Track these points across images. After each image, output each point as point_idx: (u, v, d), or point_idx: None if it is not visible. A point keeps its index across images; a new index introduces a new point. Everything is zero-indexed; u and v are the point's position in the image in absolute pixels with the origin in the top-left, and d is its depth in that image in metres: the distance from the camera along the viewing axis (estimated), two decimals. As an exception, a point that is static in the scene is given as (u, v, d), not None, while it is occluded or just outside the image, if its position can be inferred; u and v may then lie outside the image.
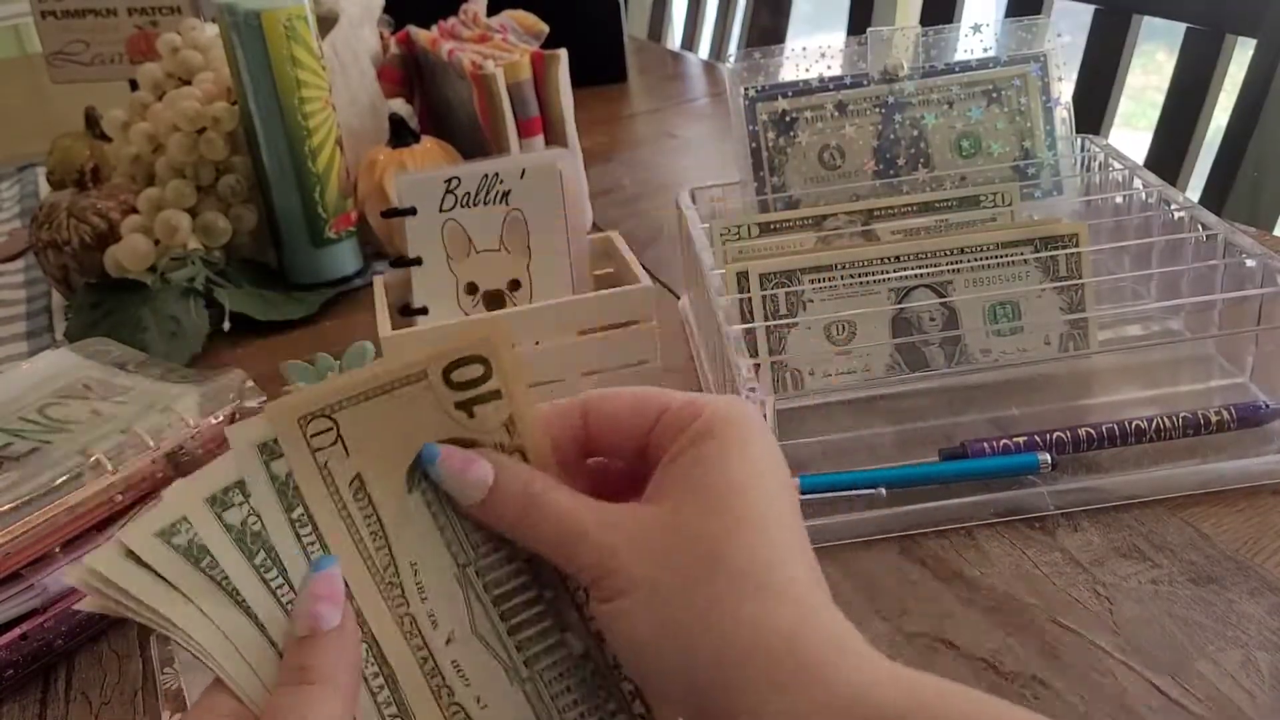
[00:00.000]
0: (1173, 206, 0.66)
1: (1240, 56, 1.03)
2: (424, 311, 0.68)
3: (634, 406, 0.33)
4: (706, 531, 0.30)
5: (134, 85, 0.94)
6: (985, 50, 0.71)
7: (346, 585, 0.31)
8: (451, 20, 1.04)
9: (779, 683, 0.28)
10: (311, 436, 0.31)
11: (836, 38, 0.73)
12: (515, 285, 0.69)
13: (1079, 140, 0.73)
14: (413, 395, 0.32)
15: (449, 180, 0.67)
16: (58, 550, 0.51)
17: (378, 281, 0.69)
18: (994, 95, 0.70)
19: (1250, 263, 0.59)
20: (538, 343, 0.63)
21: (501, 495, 0.32)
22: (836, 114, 0.70)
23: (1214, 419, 0.57)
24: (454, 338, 0.32)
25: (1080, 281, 0.62)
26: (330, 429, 0.31)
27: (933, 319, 0.62)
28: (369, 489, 0.32)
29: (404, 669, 0.32)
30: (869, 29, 0.70)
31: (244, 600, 0.30)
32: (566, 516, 0.31)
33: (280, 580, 0.31)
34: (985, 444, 0.57)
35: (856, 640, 0.30)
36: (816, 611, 0.30)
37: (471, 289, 0.68)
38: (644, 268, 0.67)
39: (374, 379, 0.32)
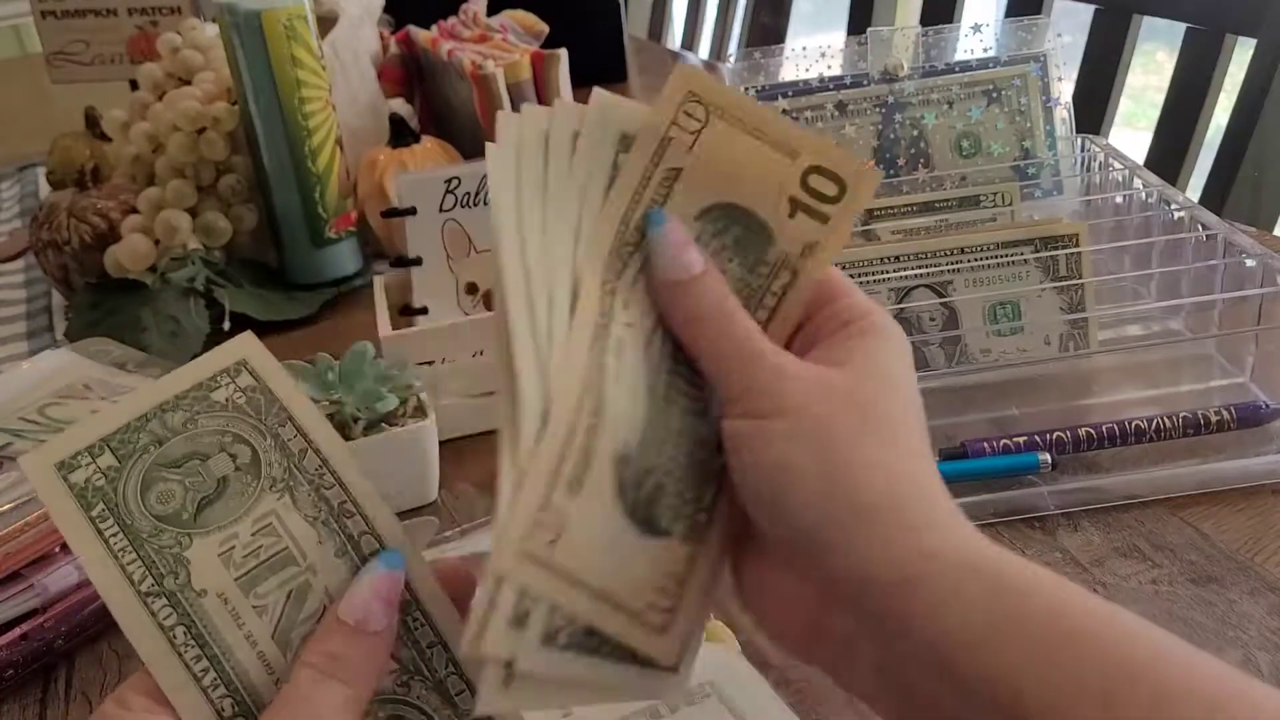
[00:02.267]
0: (1173, 206, 0.66)
1: (1240, 56, 1.03)
2: (424, 311, 0.68)
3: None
4: (861, 389, 0.32)
5: (134, 85, 0.94)
6: (985, 50, 0.71)
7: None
8: (451, 20, 1.04)
9: (909, 525, 0.29)
10: None
11: (836, 38, 0.73)
12: (515, 285, 0.69)
13: (1079, 140, 0.73)
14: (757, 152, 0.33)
15: (449, 180, 0.67)
16: (58, 550, 0.51)
17: (378, 281, 0.69)
18: (994, 95, 0.70)
19: (1250, 263, 0.59)
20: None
21: (700, 288, 0.33)
22: (836, 114, 0.70)
23: (1214, 419, 0.57)
24: (834, 152, 0.33)
25: (1080, 281, 0.62)
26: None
27: (933, 319, 0.62)
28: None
29: None
30: (869, 29, 0.70)
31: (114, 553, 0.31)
32: (752, 334, 0.33)
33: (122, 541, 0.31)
34: (985, 444, 0.57)
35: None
36: (942, 489, 0.32)
37: (471, 289, 0.68)
38: (644, 268, 0.67)
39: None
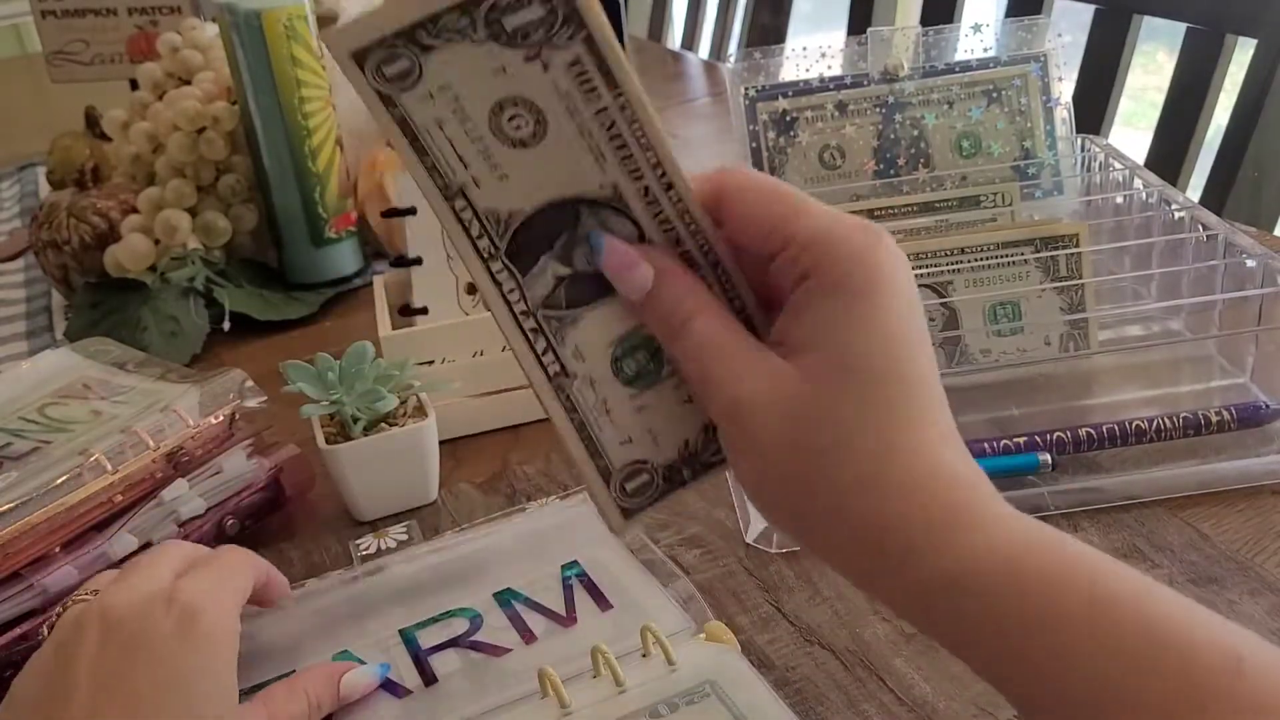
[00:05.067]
0: (1173, 206, 0.66)
1: (1240, 56, 1.03)
2: (424, 311, 0.68)
3: (767, 226, 0.33)
4: (837, 414, 0.30)
5: (134, 85, 0.94)
6: (985, 50, 0.71)
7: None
8: (451, 20, 1.04)
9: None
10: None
11: (836, 37, 0.73)
12: (515, 285, 0.69)
13: (1079, 140, 0.73)
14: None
15: (449, 180, 0.67)
16: (58, 550, 0.51)
17: (378, 281, 0.69)
18: (994, 95, 0.70)
19: (1250, 263, 0.59)
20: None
21: (655, 306, 0.33)
22: (837, 114, 0.70)
23: (1214, 419, 0.57)
24: None
25: (1080, 281, 0.62)
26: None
27: (933, 319, 0.62)
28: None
29: None
30: (869, 29, 0.70)
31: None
32: (708, 358, 0.32)
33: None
34: (985, 444, 0.57)
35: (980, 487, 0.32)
36: (936, 470, 0.31)
37: (471, 289, 0.68)
38: (644, 268, 0.67)
39: None
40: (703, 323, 0.33)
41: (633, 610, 0.49)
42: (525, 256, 0.34)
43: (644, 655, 0.45)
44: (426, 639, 0.48)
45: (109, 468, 0.52)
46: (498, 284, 0.34)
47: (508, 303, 0.34)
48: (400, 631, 0.49)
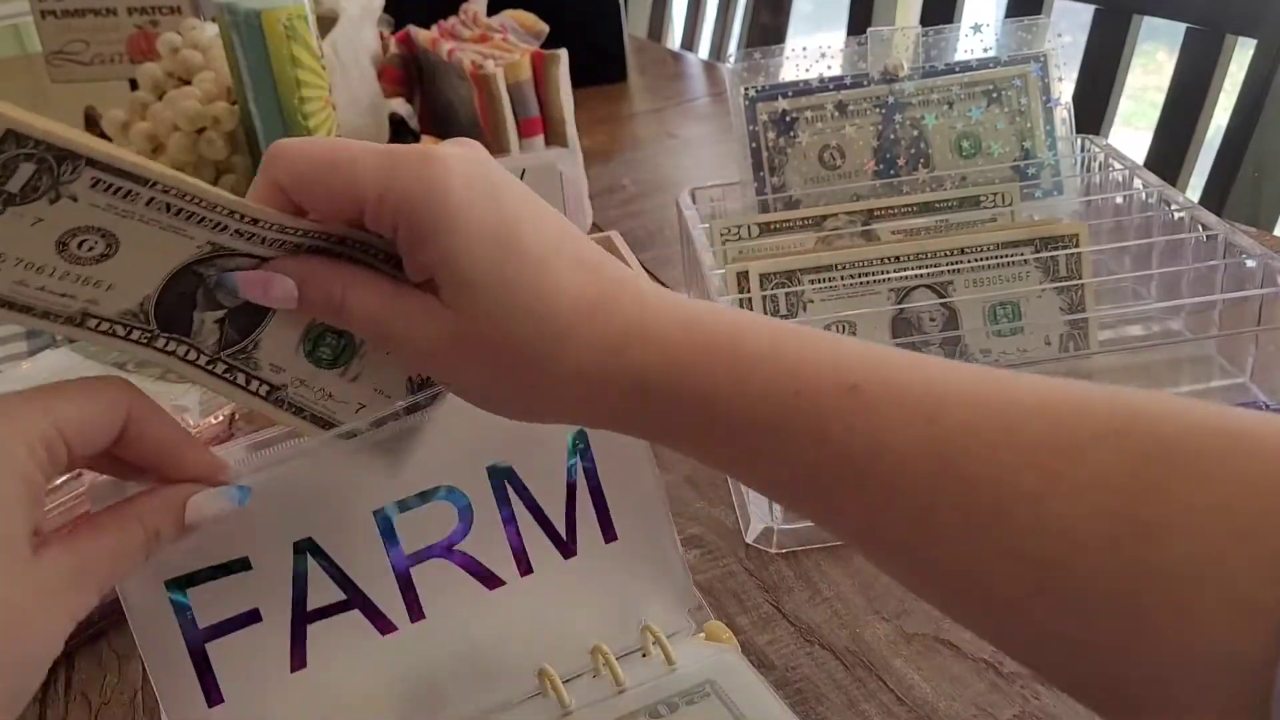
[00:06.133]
0: (1173, 206, 0.66)
1: (1240, 56, 1.03)
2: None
3: (337, 202, 0.33)
4: (493, 328, 0.33)
5: (134, 85, 0.94)
6: (985, 50, 0.71)
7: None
8: (451, 20, 1.04)
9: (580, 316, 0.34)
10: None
11: (836, 38, 0.73)
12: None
13: (1079, 140, 0.73)
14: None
15: (449, 180, 0.67)
16: (58, 550, 0.50)
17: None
18: (994, 95, 0.70)
19: (1250, 263, 0.59)
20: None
21: (310, 303, 0.34)
22: (836, 114, 0.70)
23: (1214, 419, 0.57)
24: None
25: (1080, 282, 0.62)
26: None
27: (933, 319, 0.62)
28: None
29: None
30: (869, 29, 0.70)
31: None
32: (376, 323, 0.34)
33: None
34: (985, 444, 0.57)
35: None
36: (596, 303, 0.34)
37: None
38: (644, 268, 0.67)
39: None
40: (355, 296, 0.34)
41: (635, 572, 0.45)
42: (179, 321, 0.35)
43: (644, 655, 0.45)
44: (408, 534, 0.41)
45: (109, 468, 0.52)
46: (172, 353, 0.36)
47: (192, 362, 0.36)
48: (375, 514, 0.41)
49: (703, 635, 0.46)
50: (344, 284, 0.34)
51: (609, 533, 0.45)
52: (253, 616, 0.40)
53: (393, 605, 0.41)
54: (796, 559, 0.54)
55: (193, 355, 0.36)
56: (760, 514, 0.55)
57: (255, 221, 0.33)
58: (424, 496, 0.42)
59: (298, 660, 0.41)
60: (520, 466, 0.43)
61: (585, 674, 0.44)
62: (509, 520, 0.43)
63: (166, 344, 0.35)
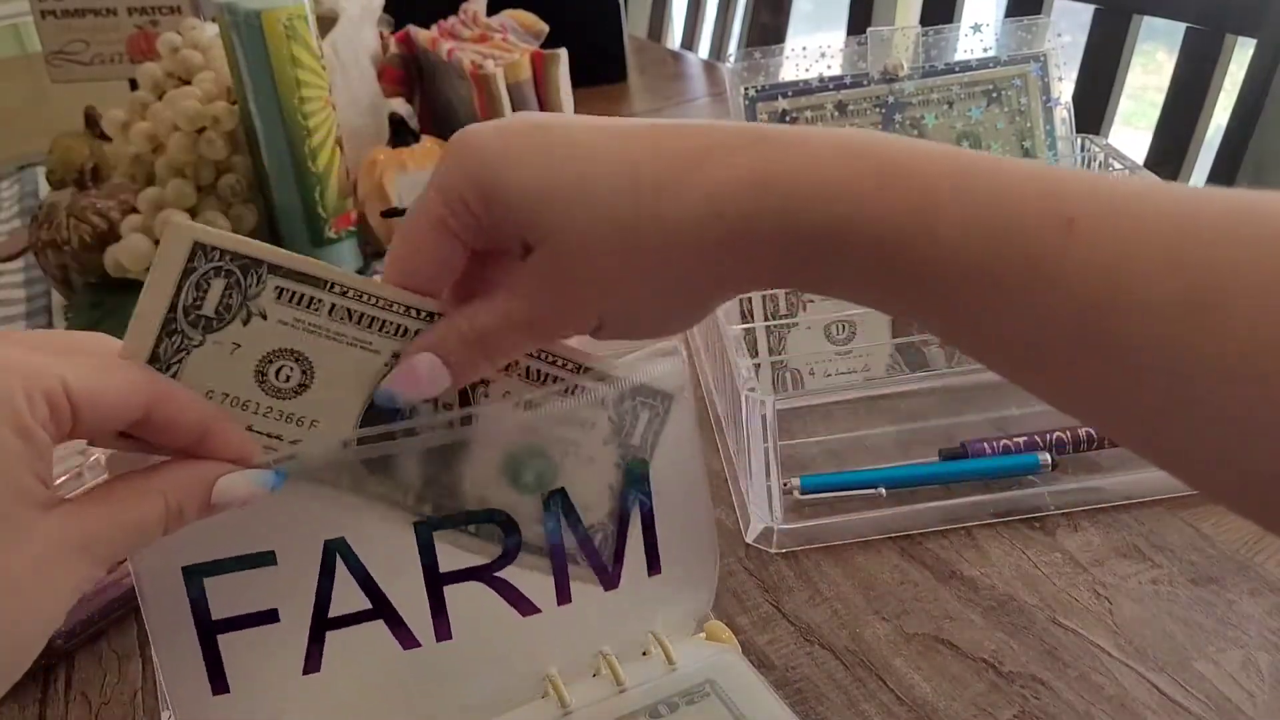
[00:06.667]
0: (1173, 206, 0.66)
1: (1240, 56, 1.03)
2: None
3: (435, 264, 0.34)
4: (579, 245, 0.32)
5: (134, 85, 0.94)
6: (985, 50, 0.71)
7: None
8: (451, 20, 1.04)
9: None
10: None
11: (836, 37, 0.73)
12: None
13: (1079, 140, 0.73)
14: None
15: (449, 180, 0.67)
16: (58, 550, 0.50)
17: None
18: (994, 95, 0.70)
19: (1250, 263, 0.59)
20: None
21: (459, 367, 0.35)
22: (836, 114, 0.70)
23: (1214, 419, 0.57)
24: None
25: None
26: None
27: (933, 319, 0.62)
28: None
29: None
30: (869, 29, 0.70)
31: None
32: (500, 330, 0.34)
33: None
34: (985, 444, 0.57)
35: None
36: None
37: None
38: (644, 268, 0.67)
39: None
40: (485, 326, 0.34)
41: (668, 599, 0.43)
42: (379, 464, 0.37)
43: (644, 655, 0.45)
44: (447, 552, 0.39)
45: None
46: (383, 497, 0.38)
47: (400, 504, 0.38)
48: (415, 525, 0.39)
49: (703, 635, 0.46)
50: (468, 322, 0.34)
51: (654, 566, 0.43)
52: (270, 616, 0.38)
53: (420, 621, 0.40)
54: (796, 559, 0.54)
55: (399, 495, 0.37)
56: (760, 514, 0.55)
57: (419, 312, 0.34)
58: (471, 516, 0.39)
59: (311, 664, 0.39)
60: (575, 494, 0.41)
61: (585, 674, 0.44)
62: (556, 551, 0.41)
63: (378, 484, 0.36)
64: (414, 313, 0.34)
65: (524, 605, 0.41)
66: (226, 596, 0.37)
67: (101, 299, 0.83)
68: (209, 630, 0.38)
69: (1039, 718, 0.44)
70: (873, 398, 0.63)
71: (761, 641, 0.49)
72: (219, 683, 0.38)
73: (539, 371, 0.37)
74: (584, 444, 0.39)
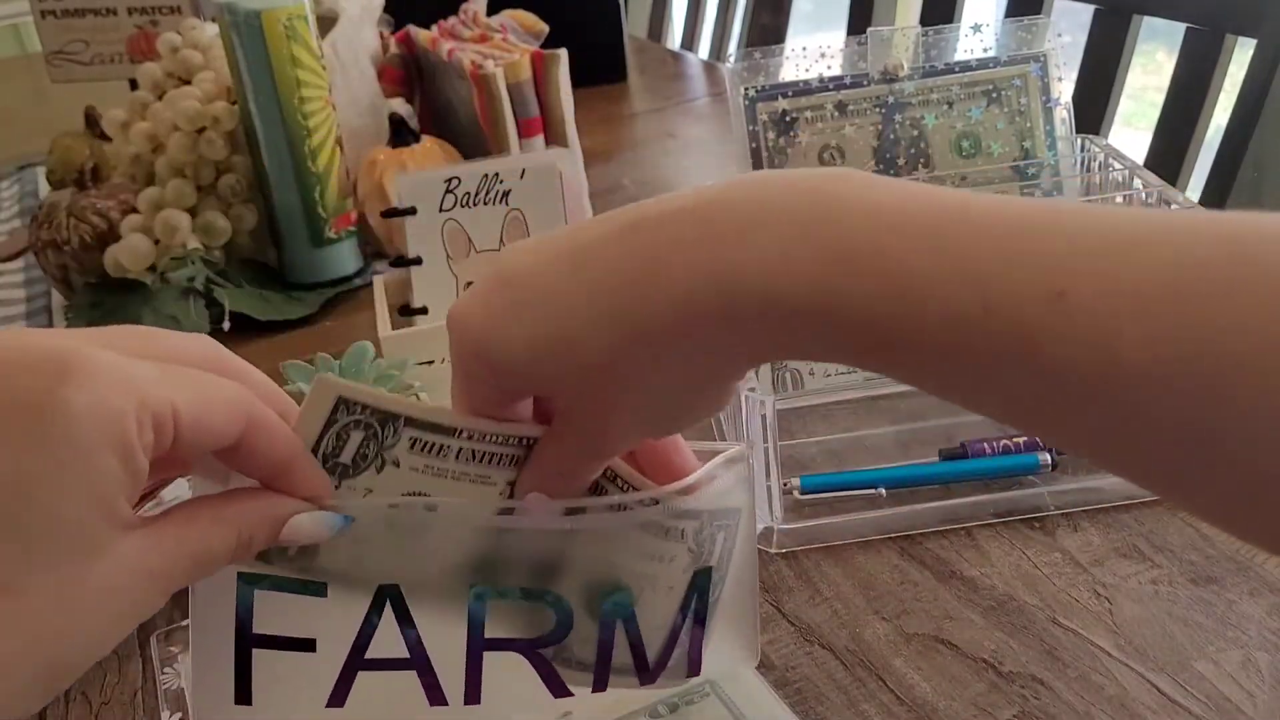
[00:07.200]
0: (1173, 207, 0.66)
1: (1240, 56, 1.03)
2: (424, 311, 0.68)
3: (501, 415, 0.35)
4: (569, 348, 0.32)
5: (134, 85, 0.94)
6: (985, 50, 0.71)
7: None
8: (451, 20, 1.04)
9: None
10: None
11: (836, 37, 0.73)
12: (515, 285, 0.68)
13: (1079, 140, 0.73)
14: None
15: (449, 180, 0.67)
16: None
17: (378, 281, 0.69)
18: (994, 95, 0.70)
19: (1250, 263, 0.59)
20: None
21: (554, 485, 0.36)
22: (836, 114, 0.70)
23: (1214, 419, 0.57)
24: None
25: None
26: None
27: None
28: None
29: None
30: (869, 29, 0.70)
31: None
32: (568, 459, 0.36)
33: None
34: (985, 444, 0.57)
35: None
36: None
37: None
38: (644, 268, 0.67)
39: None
40: (548, 461, 0.36)
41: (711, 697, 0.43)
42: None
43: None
44: (496, 620, 0.38)
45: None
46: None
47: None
48: (471, 588, 0.38)
49: (703, 635, 0.46)
50: (539, 462, 0.36)
51: (695, 667, 0.41)
52: (308, 645, 0.38)
53: (453, 681, 0.39)
54: (796, 559, 0.54)
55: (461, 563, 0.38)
56: (760, 514, 0.55)
57: (530, 442, 0.35)
58: (527, 594, 0.38)
59: (337, 698, 0.39)
60: (644, 619, 0.39)
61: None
62: (604, 642, 0.39)
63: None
64: (519, 441, 0.35)
65: (557, 687, 0.40)
66: (271, 615, 0.37)
67: (101, 299, 0.83)
68: (246, 642, 0.37)
69: (1039, 718, 0.44)
70: (872, 398, 0.63)
71: (761, 641, 0.49)
72: (243, 693, 0.38)
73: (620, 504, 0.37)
74: (663, 577, 0.38)
